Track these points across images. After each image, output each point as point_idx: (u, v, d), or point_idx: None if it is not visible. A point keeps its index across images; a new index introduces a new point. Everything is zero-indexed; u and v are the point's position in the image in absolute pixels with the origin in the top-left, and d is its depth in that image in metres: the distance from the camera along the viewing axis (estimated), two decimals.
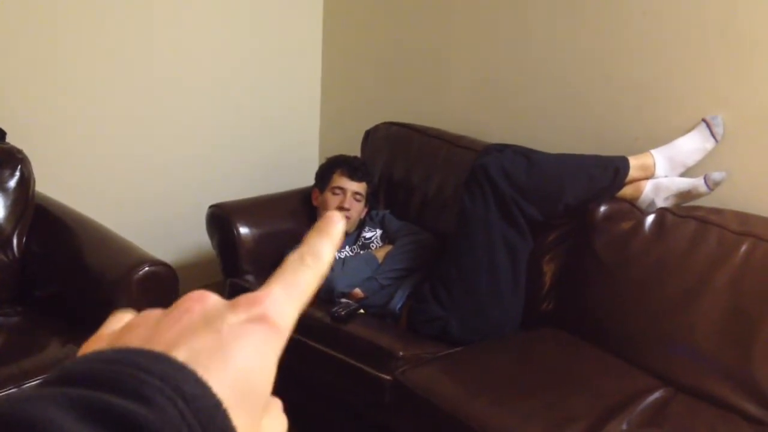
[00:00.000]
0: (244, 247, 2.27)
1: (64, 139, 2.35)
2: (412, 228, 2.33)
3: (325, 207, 2.31)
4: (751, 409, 1.66)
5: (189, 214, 2.62)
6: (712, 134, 1.96)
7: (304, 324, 1.88)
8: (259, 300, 0.28)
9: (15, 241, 1.99)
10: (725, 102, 1.96)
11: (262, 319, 0.27)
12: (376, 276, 2.13)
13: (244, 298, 0.28)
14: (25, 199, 2.02)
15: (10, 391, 1.52)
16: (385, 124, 2.60)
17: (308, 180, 2.51)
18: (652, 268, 1.87)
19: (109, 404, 0.22)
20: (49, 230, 2.02)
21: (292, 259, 0.31)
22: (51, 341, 1.79)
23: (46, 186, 2.13)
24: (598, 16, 2.19)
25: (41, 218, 2.04)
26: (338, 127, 3.04)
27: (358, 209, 2.33)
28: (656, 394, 1.70)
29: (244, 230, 2.28)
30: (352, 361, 1.87)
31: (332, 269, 2.13)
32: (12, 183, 2.00)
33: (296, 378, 1.94)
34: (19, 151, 2.04)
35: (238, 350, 0.26)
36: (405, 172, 2.48)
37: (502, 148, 2.07)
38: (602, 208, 1.99)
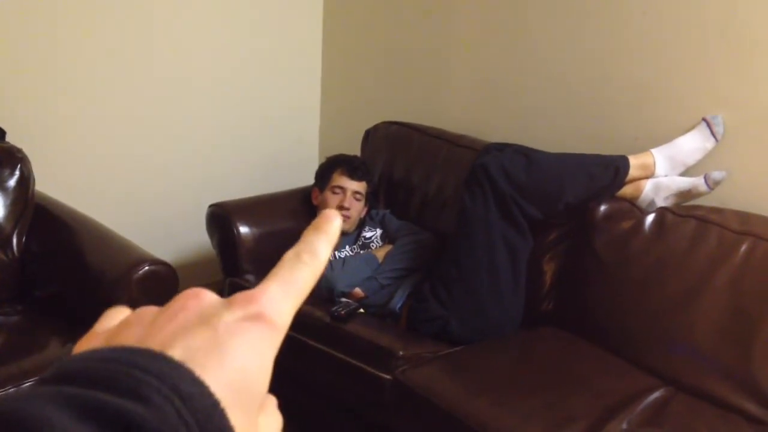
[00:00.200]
0: (244, 246, 2.27)
1: (64, 139, 2.35)
2: (412, 228, 2.33)
3: (324, 206, 2.31)
4: (752, 408, 1.66)
5: (189, 213, 2.62)
6: (713, 133, 1.96)
7: (304, 323, 1.89)
8: (255, 298, 0.28)
9: (15, 240, 1.99)
10: (725, 101, 1.96)
11: (258, 317, 0.27)
12: (376, 276, 2.13)
13: (240, 296, 0.28)
14: (24, 198, 2.02)
15: (9, 390, 1.52)
16: (385, 123, 2.60)
17: (308, 179, 2.51)
18: (652, 268, 1.87)
19: (106, 403, 0.22)
20: (49, 229, 2.02)
21: (289, 256, 0.31)
22: (51, 341, 1.79)
23: (45, 185, 2.13)
24: (598, 16, 2.19)
25: (41, 217, 2.04)
26: (338, 127, 3.04)
27: (357, 208, 2.33)
28: (656, 394, 1.70)
29: (244, 229, 2.28)
30: (352, 361, 1.87)
31: (332, 269, 2.13)
32: (12, 182, 1.99)
33: (296, 377, 1.94)
34: (19, 151, 2.03)
35: (234, 348, 0.26)
36: (405, 171, 2.48)
37: (502, 148, 2.07)
38: (602, 208, 1.99)
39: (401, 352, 1.82)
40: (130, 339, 0.26)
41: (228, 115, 2.77)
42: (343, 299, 2.05)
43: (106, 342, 0.27)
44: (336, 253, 2.24)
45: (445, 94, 2.64)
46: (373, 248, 2.29)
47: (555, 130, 2.32)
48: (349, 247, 2.30)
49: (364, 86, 2.92)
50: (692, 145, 1.99)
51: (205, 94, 2.68)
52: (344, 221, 2.24)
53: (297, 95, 3.00)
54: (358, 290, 2.09)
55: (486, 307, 1.99)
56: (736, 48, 1.92)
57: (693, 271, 1.81)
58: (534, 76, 2.38)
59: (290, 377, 1.69)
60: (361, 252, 2.27)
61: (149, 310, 0.28)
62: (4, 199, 1.98)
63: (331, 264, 2.15)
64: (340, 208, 2.27)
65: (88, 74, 2.35)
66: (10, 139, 2.10)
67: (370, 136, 2.62)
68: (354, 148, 2.60)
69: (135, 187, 2.56)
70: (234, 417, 0.24)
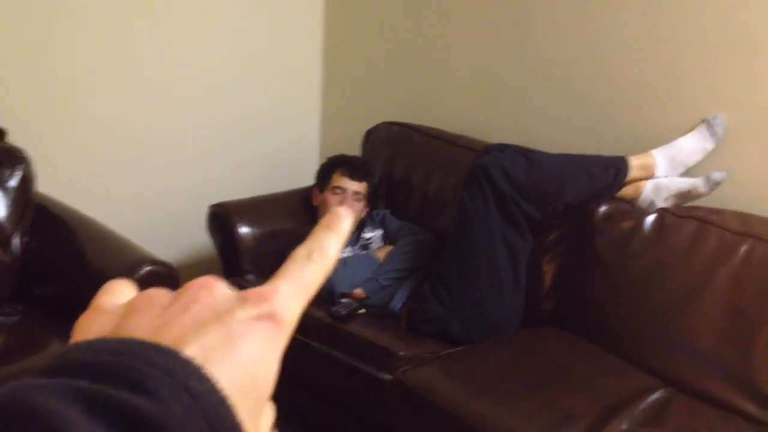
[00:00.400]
0: (244, 246, 2.27)
1: (65, 139, 2.35)
2: (413, 228, 2.33)
3: (325, 207, 2.31)
4: (752, 409, 1.66)
5: (190, 213, 2.62)
6: (713, 134, 1.96)
7: (305, 323, 1.89)
8: (268, 296, 0.28)
9: (16, 240, 1.99)
10: (726, 102, 1.96)
11: (270, 317, 0.27)
12: (376, 276, 2.13)
13: (252, 294, 0.28)
14: (25, 198, 2.02)
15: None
16: (385, 123, 2.61)
17: (309, 180, 2.51)
18: (652, 268, 1.87)
19: (113, 397, 0.22)
20: (50, 229, 2.02)
21: (299, 254, 0.31)
22: (51, 340, 1.79)
23: (46, 185, 2.13)
24: (599, 16, 2.19)
25: (42, 217, 2.04)
26: (339, 127, 3.04)
27: (358, 209, 2.33)
28: (656, 394, 1.70)
29: (244, 230, 2.28)
30: (353, 361, 1.87)
31: (333, 269, 2.13)
32: (13, 182, 2.00)
33: (297, 377, 1.94)
34: (20, 151, 2.04)
35: (245, 347, 0.26)
36: (405, 172, 2.48)
37: (502, 148, 2.07)
38: (602, 208, 1.99)
39: (402, 353, 1.83)
40: (142, 327, 0.26)
41: (229, 116, 2.77)
42: (344, 300, 2.05)
43: (114, 328, 0.27)
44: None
45: (445, 94, 2.64)
46: (373, 249, 2.29)
47: (555, 131, 2.32)
48: (350, 247, 2.30)
49: (365, 87, 2.93)
50: (692, 145, 1.99)
51: (206, 94, 2.68)
52: None
53: (297, 95, 3.00)
54: (358, 291, 2.10)
55: (486, 307, 1.99)
56: (736, 48, 1.92)
57: (693, 272, 1.81)
58: (534, 77, 2.38)
59: (291, 377, 1.68)
60: (362, 252, 2.27)
61: (159, 295, 0.28)
62: (5, 199, 1.98)
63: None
64: None
65: (89, 75, 2.36)
66: (12, 139, 2.10)
67: (370, 136, 2.62)
68: (354, 149, 2.60)
69: (136, 187, 2.56)
70: (240, 413, 0.24)
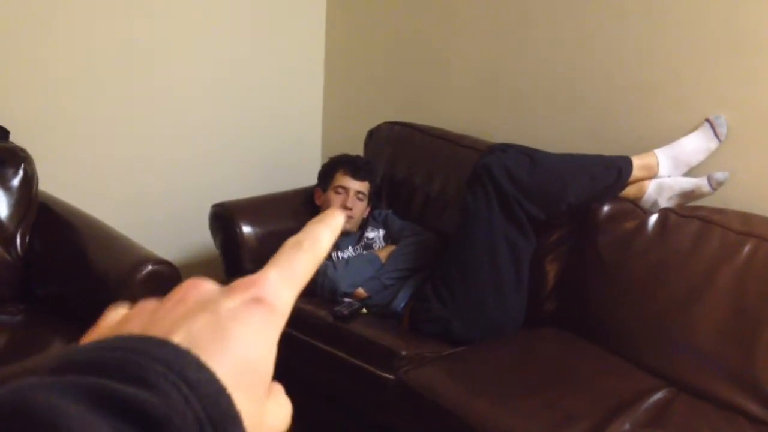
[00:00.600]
0: (246, 246, 2.27)
1: (67, 138, 2.35)
2: (415, 228, 2.33)
3: (327, 206, 2.31)
4: (754, 409, 1.66)
5: (192, 213, 2.62)
6: (716, 134, 1.96)
7: (307, 323, 1.88)
8: (254, 282, 0.28)
9: (18, 239, 1.99)
10: (729, 102, 1.96)
11: (258, 301, 0.27)
12: (379, 276, 2.13)
13: (239, 282, 0.28)
14: (28, 197, 2.02)
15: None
16: (387, 123, 2.60)
17: (311, 179, 2.51)
18: (654, 268, 1.87)
19: (114, 390, 0.22)
20: (52, 229, 2.03)
21: (289, 242, 0.31)
22: (54, 340, 1.79)
23: (49, 185, 2.13)
24: (602, 17, 2.19)
25: (44, 217, 2.04)
26: (341, 127, 3.04)
27: (360, 208, 2.33)
28: (659, 395, 1.70)
29: (246, 229, 2.28)
30: (355, 361, 1.87)
31: (335, 269, 2.13)
32: (15, 182, 2.00)
33: (298, 377, 1.94)
34: (23, 150, 2.04)
35: (237, 333, 0.26)
36: (407, 171, 2.48)
37: (505, 148, 2.07)
38: (605, 208, 1.99)
39: (404, 352, 1.83)
40: (134, 330, 0.26)
41: (231, 115, 2.77)
42: (346, 299, 2.05)
43: (109, 334, 0.27)
44: (339, 253, 2.25)
45: (448, 94, 2.64)
46: (375, 248, 2.29)
47: (558, 131, 2.32)
48: (352, 247, 2.30)
49: (367, 86, 2.93)
50: (695, 145, 1.98)
51: (209, 94, 2.69)
52: (347, 221, 2.24)
53: (299, 95, 3.00)
54: (360, 290, 2.10)
55: (488, 307, 1.98)
56: (739, 49, 1.92)
57: (696, 272, 1.81)
58: (537, 77, 2.37)
59: (292, 377, 1.68)
60: (364, 252, 2.27)
61: (150, 303, 0.29)
62: (8, 198, 1.99)
63: (334, 264, 2.16)
64: (343, 208, 2.27)
65: (91, 74, 2.36)
66: (14, 138, 2.10)
67: (373, 135, 2.62)
68: (356, 149, 2.60)
69: (138, 186, 2.56)
70: (239, 401, 0.24)
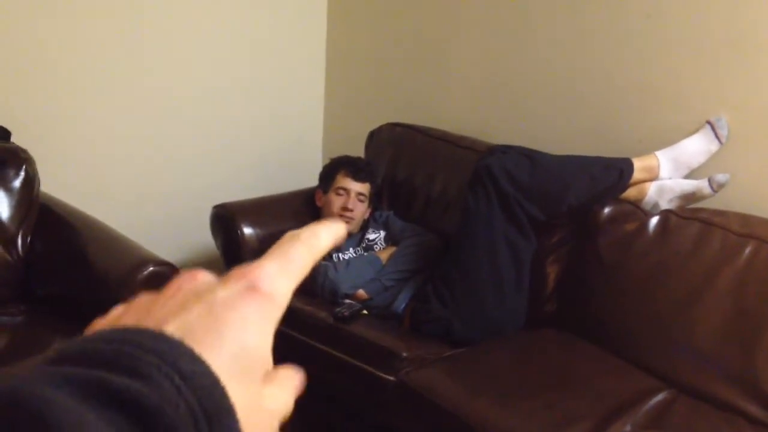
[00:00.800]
0: (247, 247, 2.27)
1: (68, 139, 2.36)
2: (416, 229, 2.33)
3: (328, 208, 2.31)
4: (755, 411, 1.66)
5: (193, 214, 2.63)
6: (717, 136, 1.96)
7: (308, 324, 1.88)
8: (250, 272, 0.28)
9: (19, 240, 1.99)
10: (730, 104, 1.96)
11: (253, 290, 0.27)
12: (379, 277, 2.13)
13: (234, 272, 0.28)
14: (29, 198, 2.02)
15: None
16: (388, 125, 2.61)
17: (311, 181, 2.51)
18: (655, 270, 1.87)
19: (106, 381, 0.22)
20: (54, 230, 2.03)
21: (287, 236, 0.32)
22: (54, 340, 1.79)
23: (50, 186, 2.13)
24: (602, 19, 2.19)
25: (46, 218, 2.04)
26: (342, 128, 3.04)
27: (361, 210, 2.33)
28: (659, 396, 1.70)
29: (248, 230, 2.28)
30: (356, 362, 1.87)
31: (336, 270, 2.13)
32: (17, 183, 2.00)
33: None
34: (24, 151, 2.04)
35: (231, 321, 0.26)
36: (408, 173, 2.48)
37: (506, 149, 2.07)
38: (606, 210, 1.99)
39: (404, 354, 1.83)
40: (129, 322, 0.26)
41: (231, 116, 2.77)
42: (347, 300, 2.05)
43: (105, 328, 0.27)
44: (340, 254, 2.25)
45: (448, 95, 2.64)
46: (376, 250, 2.29)
47: (559, 132, 2.32)
48: (353, 248, 2.30)
49: (367, 87, 2.93)
50: (696, 147, 1.98)
51: (209, 94, 2.69)
52: (348, 223, 2.24)
53: (300, 96, 3.00)
54: (361, 292, 2.10)
55: (488, 307, 1.98)
56: (740, 50, 1.92)
57: (696, 274, 1.81)
58: (537, 78, 2.38)
59: None
60: (365, 254, 2.27)
61: (146, 296, 0.29)
62: (9, 199, 1.99)
63: (335, 265, 2.16)
64: (344, 209, 2.27)
65: (92, 75, 2.36)
66: (15, 139, 2.10)
67: (373, 137, 2.63)
68: (357, 150, 2.60)
69: (139, 187, 2.56)
70: (233, 390, 0.24)
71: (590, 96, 2.25)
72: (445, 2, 2.59)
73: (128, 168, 2.52)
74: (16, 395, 0.20)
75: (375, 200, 2.43)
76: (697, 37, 1.99)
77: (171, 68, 2.56)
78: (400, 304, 2.09)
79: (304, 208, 2.46)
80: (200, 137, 2.70)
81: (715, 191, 1.95)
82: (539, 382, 1.73)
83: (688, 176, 2.02)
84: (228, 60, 2.71)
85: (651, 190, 2.01)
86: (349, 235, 2.31)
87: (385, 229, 2.37)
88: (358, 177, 2.32)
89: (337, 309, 1.97)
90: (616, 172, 1.98)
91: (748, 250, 1.77)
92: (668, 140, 2.03)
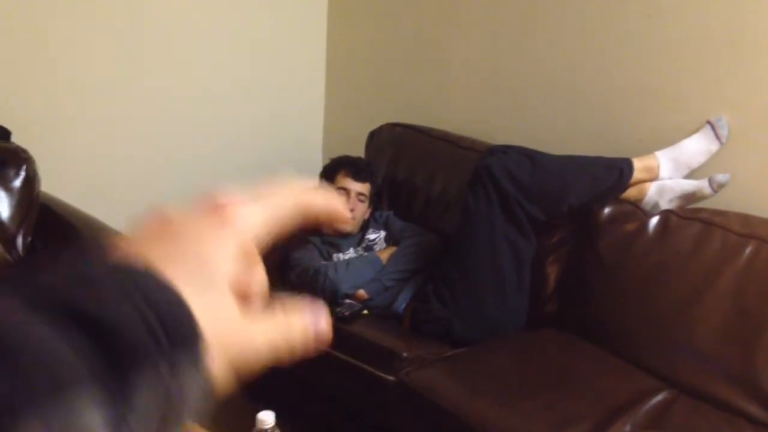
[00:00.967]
0: None
1: (68, 139, 2.36)
2: (416, 229, 2.33)
3: None
4: (755, 411, 1.66)
5: None
6: (717, 136, 1.96)
7: None
8: (217, 197, 0.30)
9: (20, 240, 1.99)
10: (730, 104, 1.96)
11: (215, 212, 0.30)
12: (380, 277, 2.13)
13: (202, 200, 0.30)
14: (29, 198, 2.02)
15: None
16: (388, 125, 2.61)
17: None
18: (655, 270, 1.87)
19: (59, 294, 0.23)
20: (54, 229, 2.03)
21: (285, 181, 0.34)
22: None
23: (50, 185, 2.13)
24: (603, 19, 2.19)
25: (46, 218, 2.04)
26: (342, 128, 3.04)
27: (361, 210, 2.32)
28: (660, 396, 1.70)
29: None
30: (356, 362, 1.87)
31: (336, 270, 2.13)
32: (17, 183, 2.00)
33: (299, 378, 1.94)
34: (24, 151, 2.04)
35: (188, 234, 0.28)
36: (409, 173, 2.48)
37: (506, 149, 2.07)
38: (606, 210, 1.99)
39: (405, 354, 1.83)
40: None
41: (232, 117, 2.77)
42: (347, 300, 2.05)
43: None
44: (340, 254, 2.25)
45: (449, 95, 2.64)
46: (376, 250, 2.29)
47: (559, 133, 2.32)
48: (353, 248, 2.30)
49: (368, 87, 2.93)
50: (697, 147, 1.98)
51: (209, 94, 2.69)
52: (348, 223, 2.24)
53: (301, 96, 3.00)
54: (361, 292, 2.10)
55: (488, 308, 1.99)
56: (740, 50, 1.92)
57: (696, 274, 1.81)
58: (538, 79, 2.38)
59: (293, 377, 1.69)
60: (365, 254, 2.27)
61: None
62: (10, 199, 1.99)
63: (335, 265, 2.16)
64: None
65: (92, 75, 2.36)
66: (16, 139, 2.10)
67: (374, 137, 2.62)
68: (357, 150, 2.60)
69: (139, 187, 2.56)
70: (195, 303, 0.25)
71: (590, 96, 2.25)
72: (445, 2, 2.59)
73: (128, 168, 2.52)
74: None
75: (375, 200, 2.43)
76: (697, 37, 1.99)
77: (171, 68, 2.56)
78: (401, 304, 2.09)
79: None
80: (200, 137, 2.70)
81: (715, 191, 1.95)
82: (539, 382, 1.73)
83: (688, 176, 2.02)
84: (228, 60, 2.71)
85: (651, 190, 2.01)
86: (350, 235, 2.31)
87: (386, 229, 2.37)
88: (358, 177, 2.32)
89: (338, 309, 1.97)
90: (617, 172, 1.98)
91: (748, 251, 1.77)
92: (668, 140, 2.03)
